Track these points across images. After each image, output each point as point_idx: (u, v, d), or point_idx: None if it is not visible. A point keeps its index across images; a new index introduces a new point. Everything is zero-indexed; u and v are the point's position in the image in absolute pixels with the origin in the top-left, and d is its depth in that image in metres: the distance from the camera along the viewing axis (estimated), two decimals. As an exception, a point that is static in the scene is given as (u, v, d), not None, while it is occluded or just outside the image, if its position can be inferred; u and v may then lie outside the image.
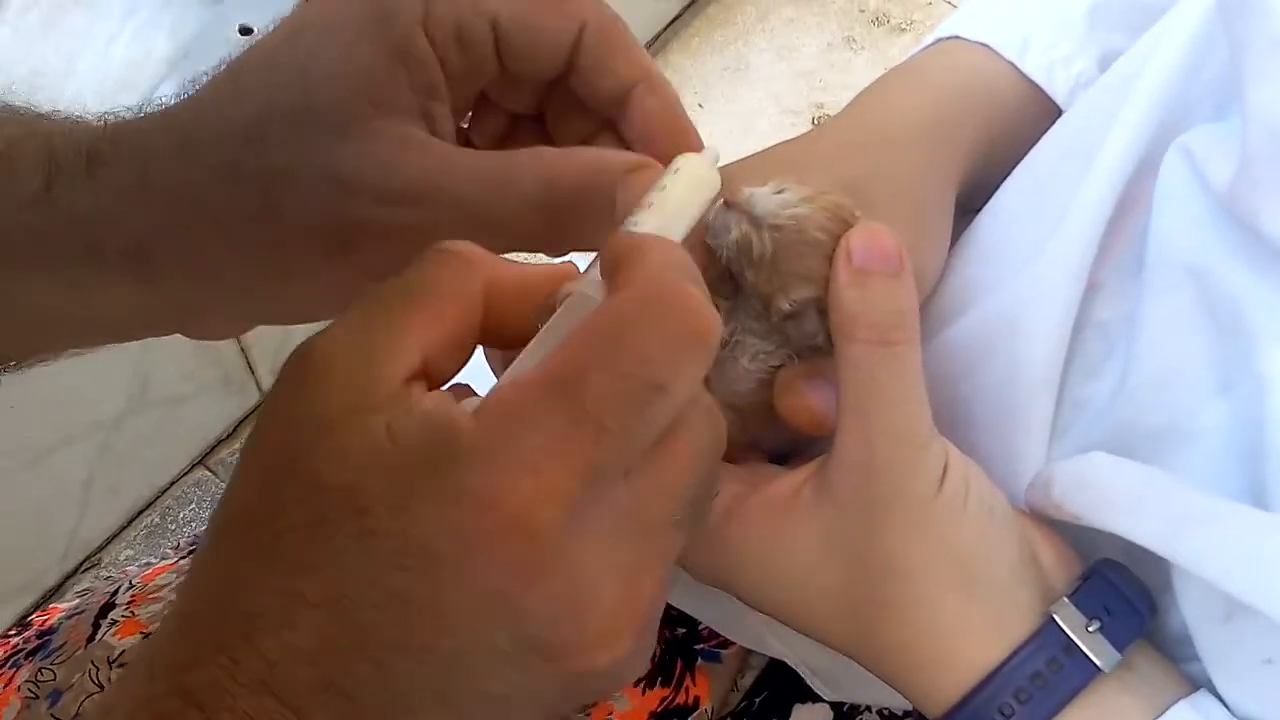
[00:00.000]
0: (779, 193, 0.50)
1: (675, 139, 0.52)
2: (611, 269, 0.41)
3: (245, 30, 1.56)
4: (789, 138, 0.62)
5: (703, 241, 0.51)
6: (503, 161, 0.50)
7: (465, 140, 0.57)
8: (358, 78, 0.50)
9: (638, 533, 0.39)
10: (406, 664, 0.37)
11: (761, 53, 2.16)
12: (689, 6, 2.18)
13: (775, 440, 0.55)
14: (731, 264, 0.51)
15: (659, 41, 2.14)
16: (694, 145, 0.53)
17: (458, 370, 0.42)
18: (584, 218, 0.48)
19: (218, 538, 0.39)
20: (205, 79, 0.52)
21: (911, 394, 0.48)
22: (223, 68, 0.52)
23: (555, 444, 0.37)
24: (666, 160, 0.51)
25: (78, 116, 0.55)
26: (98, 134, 0.53)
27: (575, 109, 0.55)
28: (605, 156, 0.50)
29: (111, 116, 0.54)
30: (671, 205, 0.47)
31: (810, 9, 2.21)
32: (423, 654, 0.37)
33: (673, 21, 2.16)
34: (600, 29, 0.53)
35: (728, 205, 0.50)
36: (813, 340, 0.50)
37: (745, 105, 2.08)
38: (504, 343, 0.43)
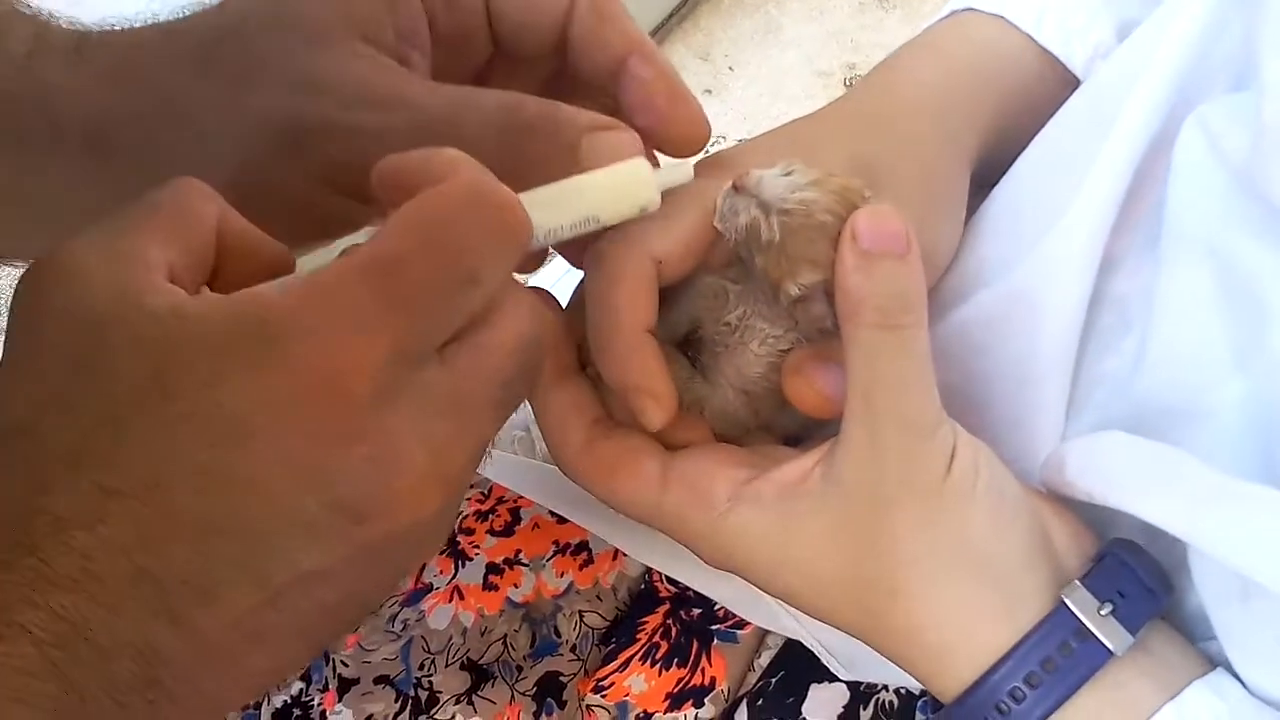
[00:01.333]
0: (787, 174, 0.49)
1: (674, 107, 0.53)
2: (433, 171, 0.43)
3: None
4: (817, 105, 0.61)
5: (711, 224, 0.50)
6: (469, 89, 0.51)
7: None
8: (344, 7, 0.52)
9: (451, 408, 0.41)
10: (220, 542, 0.38)
11: (792, 13, 2.14)
12: (719, -31, 2.17)
13: (787, 424, 0.55)
14: (740, 248, 0.50)
15: (688, 4, 2.13)
16: (694, 114, 0.53)
17: (198, 287, 0.43)
18: (541, 151, 0.48)
19: (4, 453, 0.39)
20: None
21: (919, 378, 0.47)
22: None
23: (366, 321, 0.39)
24: (667, 135, 0.52)
25: (74, 19, 0.56)
26: (91, 28, 0.55)
27: (579, 96, 0.54)
28: (573, 109, 0.50)
29: (108, 23, 0.56)
30: (579, 189, 0.48)
31: (841, -32, 2.19)
32: (236, 530, 0.38)
33: (703, -17, 2.15)
34: (593, 1, 0.53)
35: (736, 189, 0.50)
36: (822, 324, 0.50)
37: (776, 67, 2.07)
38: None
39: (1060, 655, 0.46)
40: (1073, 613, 0.46)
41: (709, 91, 2.03)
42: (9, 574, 0.37)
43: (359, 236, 0.44)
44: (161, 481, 0.37)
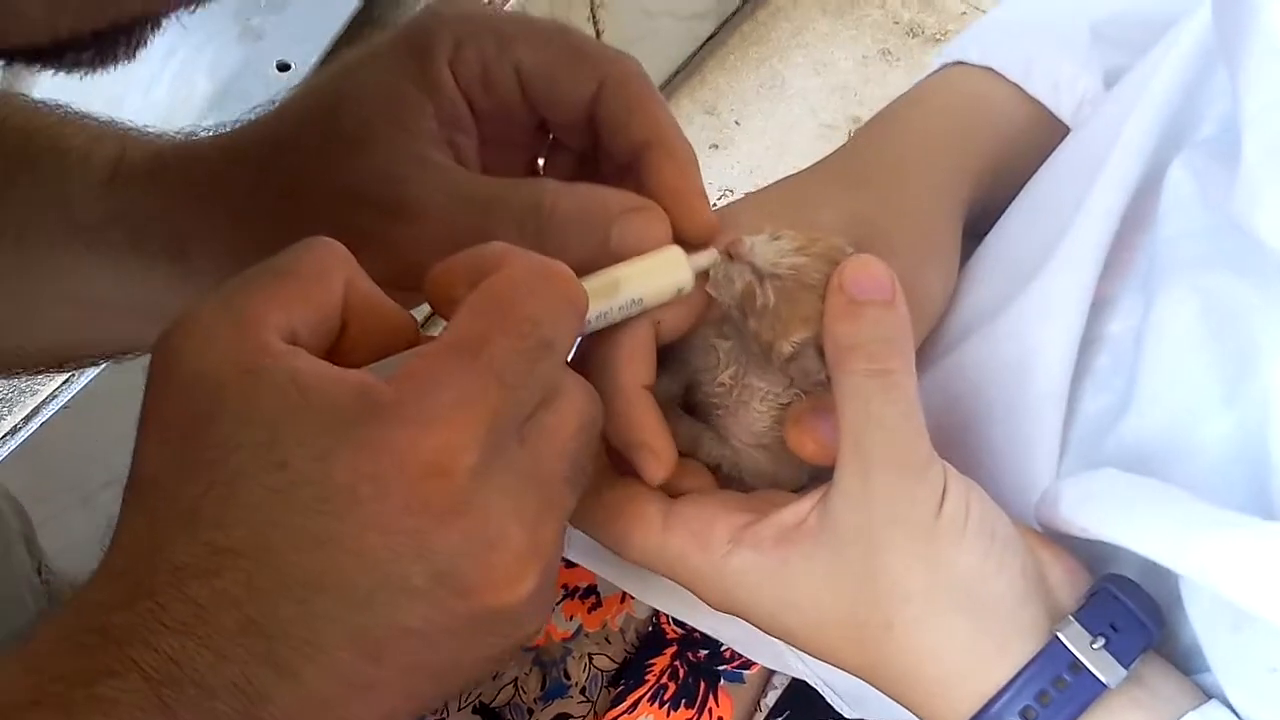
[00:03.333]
0: (775, 239, 0.51)
1: (682, 204, 0.54)
2: (485, 266, 0.45)
3: (283, 66, 1.58)
4: (817, 158, 0.63)
5: (702, 287, 0.52)
6: (499, 185, 0.54)
7: (534, 176, 0.61)
8: (386, 103, 0.55)
9: (535, 485, 0.44)
10: (326, 602, 0.40)
11: (797, 68, 2.16)
12: (724, 24, 2.18)
13: (796, 475, 0.56)
14: (733, 311, 0.52)
15: (696, 59, 2.14)
16: (701, 213, 0.55)
17: (323, 350, 0.45)
18: (569, 247, 0.51)
19: (134, 507, 0.42)
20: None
21: (908, 421, 0.48)
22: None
23: (463, 398, 0.41)
24: (675, 228, 0.54)
25: (154, 129, 0.62)
26: (165, 144, 0.60)
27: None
28: (603, 195, 0.53)
29: (183, 132, 0.61)
30: (622, 277, 0.51)
31: (845, 23, 2.21)
32: (342, 592, 0.40)
33: (708, 40, 2.16)
34: (620, 86, 0.55)
35: (730, 256, 0.51)
36: (815, 377, 0.51)
37: (782, 121, 2.08)
38: (349, 356, 0.46)
39: (1055, 689, 0.46)
40: (1066, 647, 0.47)
41: (715, 146, 2.05)
42: (129, 614, 0.39)
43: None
44: (271, 543, 0.40)
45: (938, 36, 2.18)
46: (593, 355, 0.53)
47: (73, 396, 1.47)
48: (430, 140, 0.55)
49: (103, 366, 1.48)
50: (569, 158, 0.60)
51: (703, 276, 0.52)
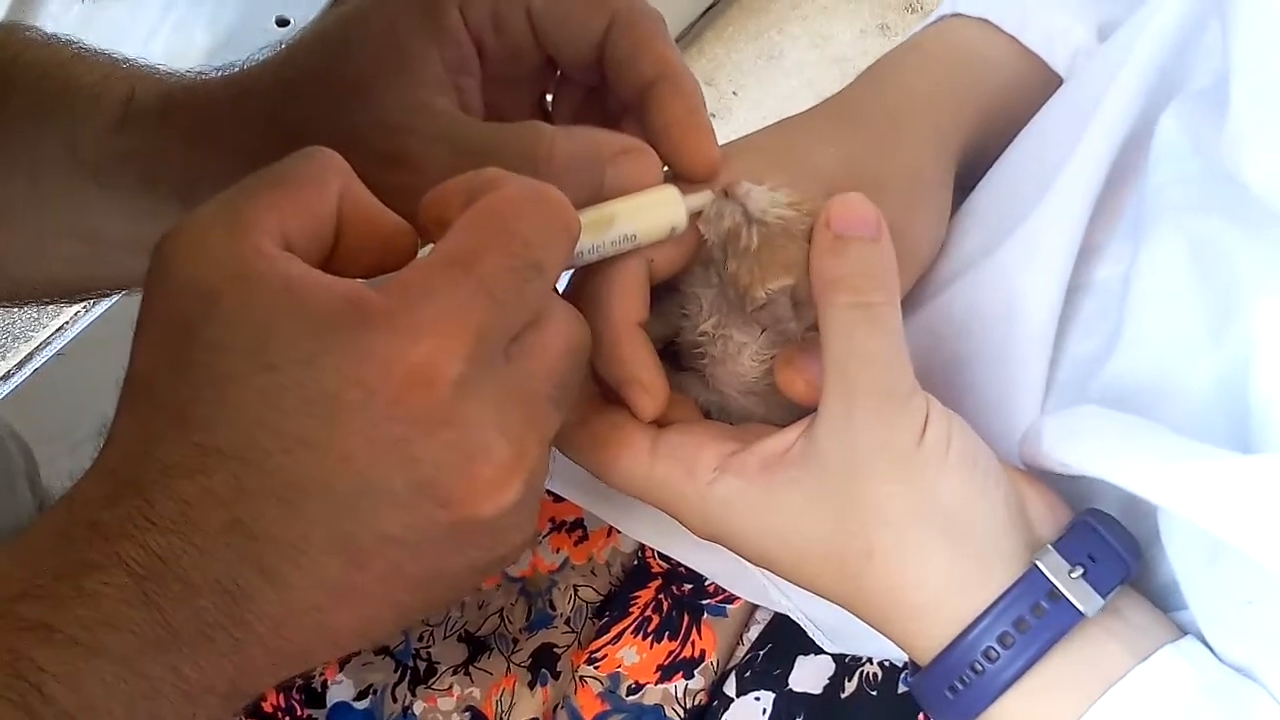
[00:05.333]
0: (773, 190, 0.52)
1: (688, 139, 0.55)
2: (479, 189, 0.46)
3: (282, 21, 1.58)
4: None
5: (694, 227, 0.53)
6: (495, 134, 0.54)
7: (541, 113, 0.62)
8: (390, 48, 0.55)
9: (520, 401, 0.44)
10: (310, 504, 0.41)
11: (795, 40, 2.16)
12: (724, -5, 2.19)
13: (785, 416, 0.56)
14: (715, 250, 0.53)
15: (694, 30, 2.15)
16: (706, 149, 0.55)
17: (318, 257, 0.46)
18: (566, 190, 0.51)
19: (128, 406, 0.43)
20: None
21: (891, 352, 0.49)
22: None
23: (452, 310, 0.42)
24: (680, 162, 0.55)
25: (164, 67, 0.63)
26: (175, 83, 0.61)
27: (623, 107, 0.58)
28: (598, 138, 0.54)
29: (193, 71, 0.62)
30: (617, 212, 0.52)
31: (844, -3, 2.22)
32: (326, 494, 0.41)
33: (708, 10, 2.16)
34: (629, 22, 0.56)
35: (726, 194, 0.52)
36: (784, 325, 0.52)
37: (780, 92, 2.09)
38: (345, 264, 0.47)
39: (1032, 616, 0.47)
40: (1044, 575, 0.48)
41: (714, 115, 2.04)
42: (117, 510, 0.40)
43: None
44: (257, 444, 0.41)
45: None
46: (586, 290, 0.53)
47: (66, 344, 1.48)
48: (435, 86, 0.55)
49: (95, 314, 1.50)
50: (576, 91, 0.61)
51: (696, 217, 0.53)
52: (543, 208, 0.46)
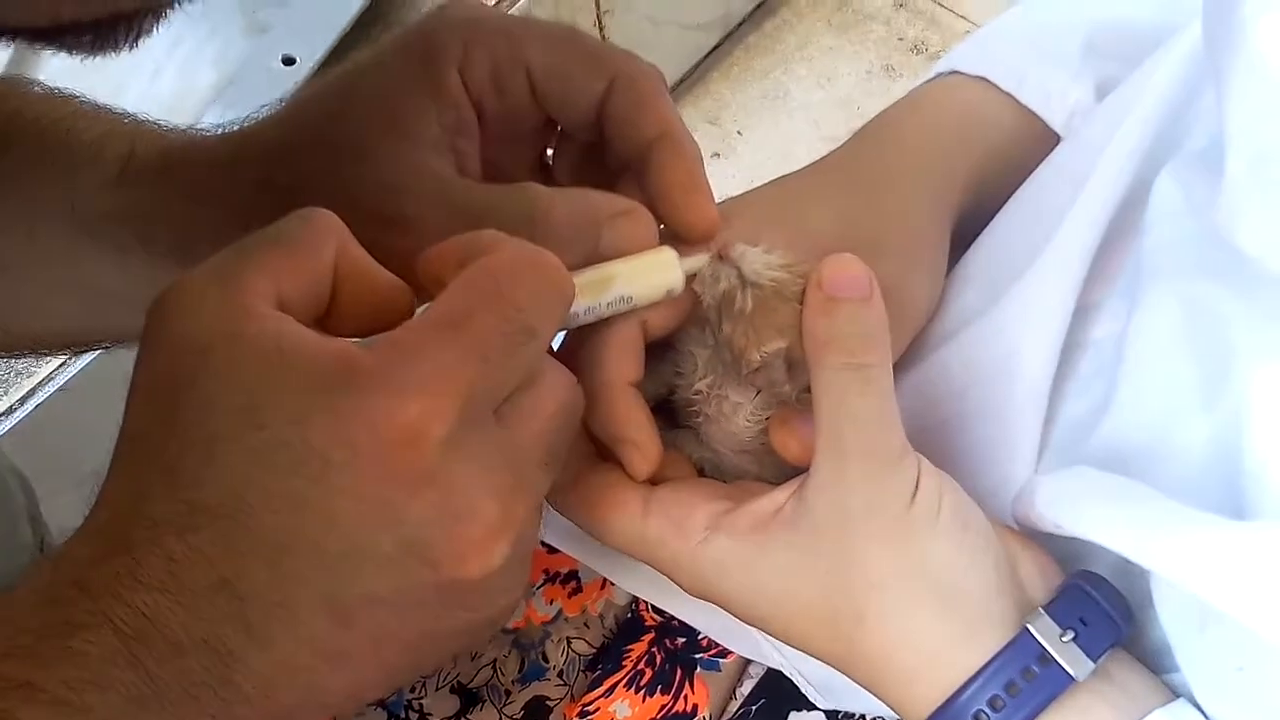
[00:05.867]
0: (768, 253, 0.52)
1: (687, 200, 0.55)
2: (475, 250, 0.46)
3: (288, 60, 1.59)
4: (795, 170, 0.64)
5: (690, 289, 0.53)
6: (491, 196, 0.54)
7: (542, 169, 0.62)
8: (388, 110, 0.55)
9: (508, 463, 0.44)
10: (297, 564, 0.41)
11: (801, 81, 2.17)
12: (729, 35, 2.19)
13: (778, 475, 0.56)
14: (709, 311, 0.53)
15: (699, 69, 2.15)
16: (705, 210, 0.56)
17: (313, 316, 0.46)
18: (562, 253, 0.51)
19: (119, 464, 0.43)
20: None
21: (883, 413, 0.49)
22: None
23: (442, 371, 0.42)
24: (678, 223, 0.55)
25: (164, 123, 0.63)
26: (175, 140, 0.61)
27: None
28: (594, 200, 0.54)
29: (193, 129, 0.62)
30: (614, 274, 0.52)
31: (849, 37, 2.22)
32: (313, 554, 0.41)
33: (713, 50, 2.17)
34: (629, 82, 0.56)
35: (721, 257, 0.53)
36: (780, 389, 0.52)
37: (785, 133, 2.09)
38: (341, 322, 0.47)
39: (1023, 680, 0.47)
40: (1035, 639, 0.48)
41: (718, 155, 2.06)
42: (105, 568, 0.40)
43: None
44: (246, 503, 0.41)
45: (940, 53, 2.19)
46: (581, 350, 0.54)
47: (69, 379, 1.48)
48: (432, 148, 0.55)
49: (100, 351, 1.50)
50: (577, 148, 0.61)
51: (693, 279, 0.53)
52: (538, 272, 0.46)
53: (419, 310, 0.48)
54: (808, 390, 0.51)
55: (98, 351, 1.49)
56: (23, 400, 1.48)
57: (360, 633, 0.42)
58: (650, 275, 0.52)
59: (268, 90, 1.55)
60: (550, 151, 0.62)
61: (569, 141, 0.61)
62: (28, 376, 1.51)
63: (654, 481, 0.54)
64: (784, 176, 0.63)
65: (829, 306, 0.49)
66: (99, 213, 0.61)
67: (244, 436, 0.41)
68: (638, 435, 0.53)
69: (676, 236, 0.56)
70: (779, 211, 0.59)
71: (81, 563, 0.41)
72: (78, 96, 0.66)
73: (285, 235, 0.46)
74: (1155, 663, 0.51)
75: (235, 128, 0.61)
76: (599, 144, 0.59)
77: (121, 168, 0.61)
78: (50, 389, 1.49)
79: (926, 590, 0.49)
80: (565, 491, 0.54)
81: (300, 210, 0.47)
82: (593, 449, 0.55)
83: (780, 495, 0.51)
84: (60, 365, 1.49)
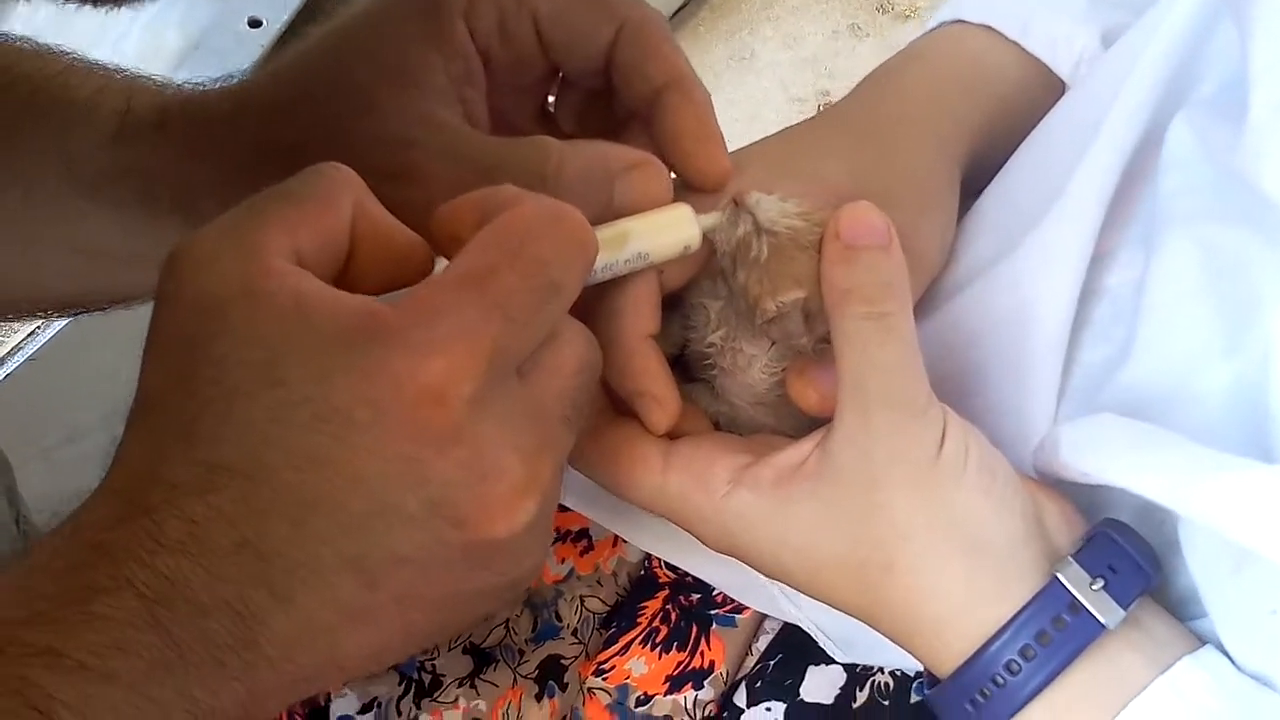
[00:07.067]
0: (784, 201, 0.52)
1: (699, 148, 0.55)
2: (495, 206, 0.45)
3: (254, 23, 1.57)
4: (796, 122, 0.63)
5: (706, 244, 0.53)
6: (503, 149, 0.53)
7: (544, 117, 0.61)
8: (393, 60, 0.54)
9: (533, 421, 0.44)
10: (321, 523, 0.40)
11: (767, 41, 2.16)
12: (695, -4, 2.19)
13: (795, 427, 0.56)
14: (724, 260, 0.53)
15: (665, 31, 2.15)
16: (717, 158, 0.55)
17: (331, 273, 0.45)
18: (575, 206, 0.51)
19: (135, 425, 0.42)
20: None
21: (906, 361, 0.49)
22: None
23: (466, 329, 0.41)
24: (690, 171, 0.54)
25: (158, 78, 0.62)
26: (172, 96, 0.60)
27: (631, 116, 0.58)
28: (607, 152, 0.53)
29: (189, 83, 0.61)
30: (631, 231, 0.51)
31: (815, -3, 2.22)
32: (337, 514, 0.40)
33: (679, 10, 2.16)
34: (638, 29, 0.55)
35: (736, 204, 0.52)
36: (795, 340, 0.52)
37: (752, 93, 2.09)
38: (358, 280, 0.46)
39: (1054, 629, 0.47)
40: (1065, 587, 0.47)
41: (685, 116, 2.05)
42: (124, 531, 0.39)
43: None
44: (266, 461, 0.40)
45: (907, 13, 2.19)
46: (598, 305, 0.53)
47: (38, 349, 1.46)
48: (440, 98, 0.54)
49: (67, 321, 1.48)
50: (579, 96, 0.60)
51: (708, 235, 0.53)
52: (561, 227, 0.45)
53: (436, 267, 0.47)
54: (824, 341, 0.51)
55: (65, 322, 1.48)
56: (-11, 371, 1.46)
57: (385, 594, 0.42)
58: (668, 232, 0.52)
59: (234, 52, 1.54)
60: (552, 100, 0.61)
61: (571, 90, 0.60)
62: (-6, 347, 1.49)
63: (671, 436, 0.53)
64: (790, 128, 0.62)
65: (848, 255, 0.49)
66: (96, 170, 0.60)
67: (264, 394, 0.40)
68: (656, 389, 0.52)
69: (688, 186, 0.55)
70: (789, 162, 0.58)
71: (100, 526, 0.40)
72: (69, 53, 0.64)
73: (302, 190, 0.45)
74: (1179, 610, 0.51)
75: (234, 82, 0.59)
76: (601, 92, 0.58)
77: (119, 124, 0.60)
78: (19, 359, 1.47)
79: (955, 540, 0.48)
80: (582, 447, 0.54)
81: (316, 165, 0.46)
82: (607, 403, 0.55)
83: (804, 447, 0.51)
84: (29, 335, 1.47)
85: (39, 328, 1.47)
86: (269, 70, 0.58)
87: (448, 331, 0.41)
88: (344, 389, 0.40)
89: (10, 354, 1.48)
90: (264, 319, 0.41)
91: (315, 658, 0.42)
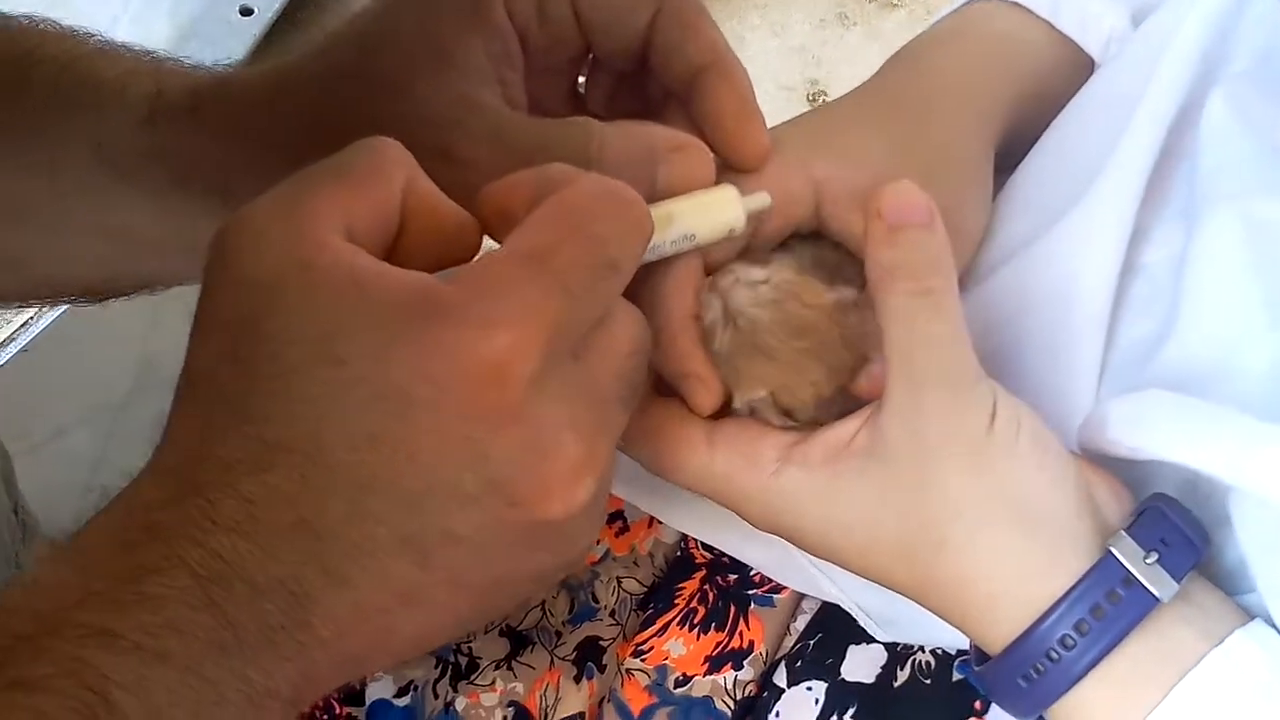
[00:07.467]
0: (755, 285, 0.52)
1: (740, 128, 0.55)
2: (549, 185, 0.45)
3: (245, 11, 1.56)
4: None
5: (754, 216, 0.53)
6: (544, 130, 0.53)
7: (574, 98, 0.61)
8: (432, 42, 0.54)
9: (590, 400, 0.43)
10: (377, 502, 0.40)
11: (755, 29, 2.16)
12: (683, -16, 2.18)
13: (835, 413, 0.56)
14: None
15: (653, 19, 2.14)
16: (757, 138, 0.55)
17: (382, 250, 0.44)
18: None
19: (185, 403, 0.42)
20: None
21: (954, 336, 0.49)
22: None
23: (526, 304, 0.41)
24: (731, 152, 0.54)
25: (185, 60, 0.61)
26: (204, 79, 0.59)
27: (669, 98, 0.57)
28: (651, 134, 0.53)
29: (218, 66, 0.60)
30: (677, 212, 0.51)
31: (802, -15, 2.22)
32: (392, 492, 0.40)
33: (667, -1, 2.16)
34: (677, 9, 0.55)
35: (711, 287, 0.52)
36: (786, 425, 0.52)
37: (740, 82, 2.09)
38: (408, 256, 0.45)
39: (1109, 603, 0.47)
40: (1119, 561, 0.47)
41: (675, 104, 2.05)
42: (178, 511, 0.39)
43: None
44: (324, 440, 0.39)
45: (895, 2, 2.19)
46: (643, 285, 0.53)
47: (31, 340, 1.45)
48: (479, 79, 0.54)
49: (61, 311, 1.47)
50: (609, 78, 0.60)
51: (754, 217, 0.52)
52: (619, 205, 0.44)
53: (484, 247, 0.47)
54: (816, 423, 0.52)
55: (59, 312, 1.47)
56: (-18, 361, 1.46)
57: (438, 574, 0.41)
58: (713, 213, 0.52)
59: (226, 41, 1.53)
60: (582, 81, 0.61)
61: (601, 72, 0.60)
62: (-13, 338, 1.48)
63: (714, 416, 0.53)
64: (825, 105, 0.62)
65: (891, 235, 0.48)
66: (127, 154, 0.59)
67: (320, 371, 0.40)
68: (702, 369, 0.52)
69: (729, 165, 0.55)
70: (827, 139, 0.58)
71: (153, 505, 0.39)
72: (95, 34, 0.64)
73: (352, 165, 0.44)
74: (1226, 586, 0.51)
75: (269, 65, 0.59)
76: (631, 74, 0.58)
77: (150, 107, 0.59)
78: (12, 350, 1.46)
79: (1009, 515, 0.48)
80: (627, 427, 0.53)
81: (366, 140, 0.45)
82: (648, 383, 0.54)
83: (851, 424, 0.51)
84: (22, 325, 1.46)
85: (31, 318, 1.46)
86: (309, 51, 0.58)
87: (510, 308, 0.40)
88: (403, 366, 0.40)
89: (3, 344, 1.47)
90: (320, 295, 0.40)
91: (367, 639, 0.41)
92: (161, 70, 0.61)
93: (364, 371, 0.40)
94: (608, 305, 0.45)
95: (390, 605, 0.41)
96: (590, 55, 0.59)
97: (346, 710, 0.66)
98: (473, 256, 0.46)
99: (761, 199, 0.52)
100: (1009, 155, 0.65)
